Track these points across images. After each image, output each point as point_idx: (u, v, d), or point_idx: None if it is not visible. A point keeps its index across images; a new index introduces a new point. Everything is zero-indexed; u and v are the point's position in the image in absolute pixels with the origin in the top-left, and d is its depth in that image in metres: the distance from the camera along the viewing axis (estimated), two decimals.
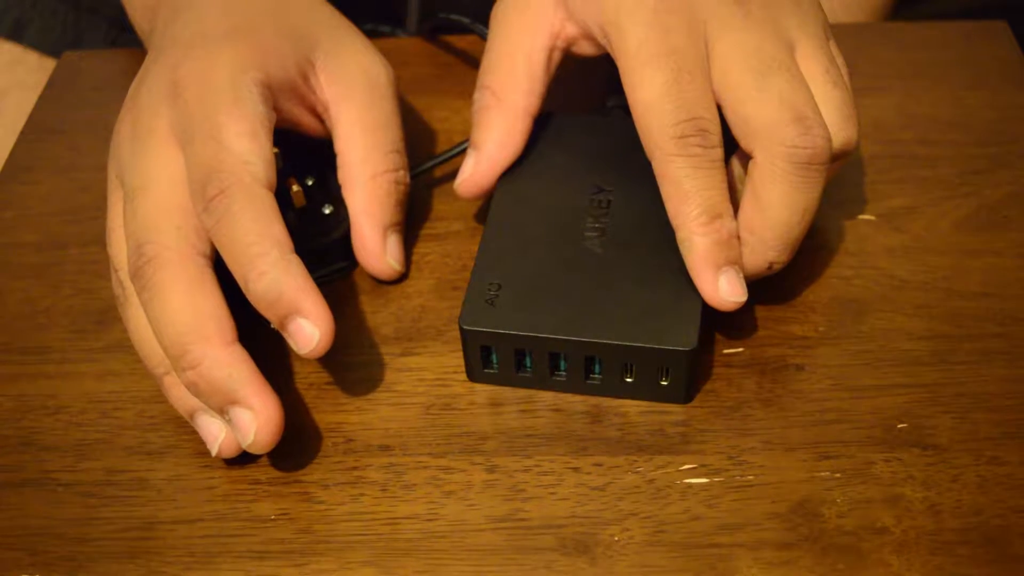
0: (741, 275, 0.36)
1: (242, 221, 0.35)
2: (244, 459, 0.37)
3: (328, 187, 0.42)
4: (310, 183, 0.41)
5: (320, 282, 0.38)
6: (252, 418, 0.35)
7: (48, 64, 0.60)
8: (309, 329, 0.35)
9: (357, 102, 0.41)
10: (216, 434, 0.36)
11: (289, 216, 0.38)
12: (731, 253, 0.36)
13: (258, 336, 0.40)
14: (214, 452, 0.36)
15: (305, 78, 0.41)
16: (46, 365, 0.40)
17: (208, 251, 0.36)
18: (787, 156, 0.35)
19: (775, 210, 0.36)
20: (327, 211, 0.41)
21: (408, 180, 0.42)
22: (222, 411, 0.35)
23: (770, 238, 0.37)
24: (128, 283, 0.37)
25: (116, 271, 0.38)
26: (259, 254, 0.35)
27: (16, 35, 0.62)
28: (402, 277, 0.42)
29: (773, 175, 0.36)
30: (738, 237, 0.37)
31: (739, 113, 0.36)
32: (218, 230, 0.35)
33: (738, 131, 0.37)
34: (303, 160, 0.42)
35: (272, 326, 0.36)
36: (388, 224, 0.41)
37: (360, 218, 0.41)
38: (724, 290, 0.36)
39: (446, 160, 0.44)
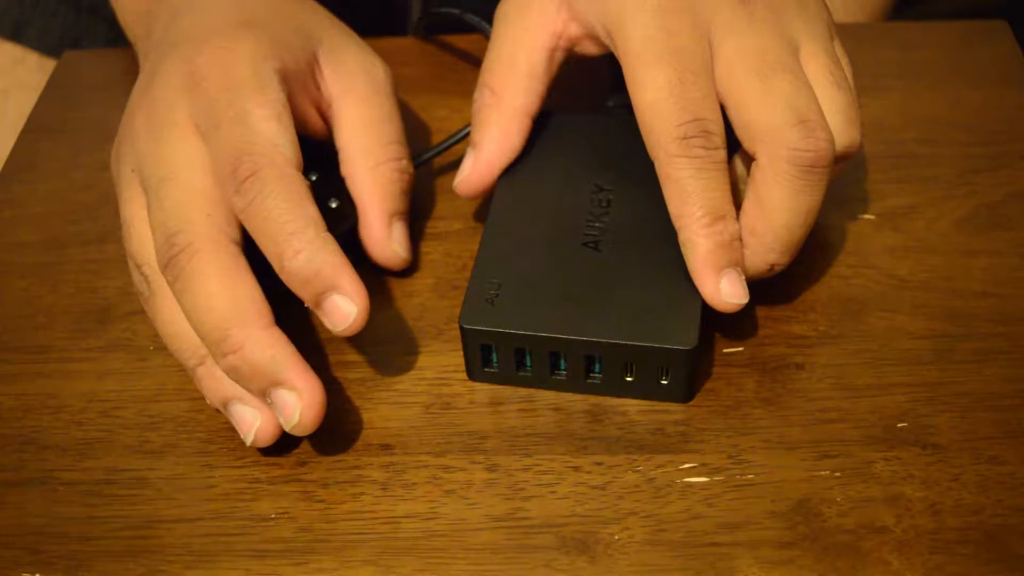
0: (743, 276, 0.36)
1: (275, 201, 0.35)
2: (244, 458, 0.37)
3: (332, 182, 0.42)
4: (314, 178, 0.41)
5: None
6: (296, 399, 0.35)
7: (48, 64, 0.60)
8: (346, 306, 0.35)
9: (359, 97, 0.41)
10: (251, 422, 0.36)
11: None
12: (733, 255, 0.36)
13: None
14: (249, 441, 0.36)
15: (312, 73, 0.41)
16: (46, 364, 0.40)
17: (239, 237, 0.36)
18: (790, 159, 0.35)
19: (777, 212, 0.36)
20: (333, 205, 0.41)
21: (412, 170, 0.42)
22: (264, 394, 0.35)
23: (771, 240, 0.37)
24: (155, 276, 0.37)
25: (139, 266, 0.37)
26: (293, 232, 0.35)
27: (16, 36, 0.62)
28: (408, 269, 0.42)
29: (776, 178, 0.36)
30: (740, 239, 0.37)
31: (742, 115, 0.36)
32: (250, 211, 0.35)
33: (741, 133, 0.37)
34: (305, 156, 0.42)
35: (306, 305, 0.36)
36: (393, 212, 0.41)
37: (365, 207, 0.41)
38: (726, 291, 0.36)
39: (447, 148, 0.45)
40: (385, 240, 0.41)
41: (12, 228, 0.46)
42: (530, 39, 0.41)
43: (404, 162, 0.42)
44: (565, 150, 0.42)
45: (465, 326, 0.37)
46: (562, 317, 0.36)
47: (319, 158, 0.42)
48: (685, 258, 0.36)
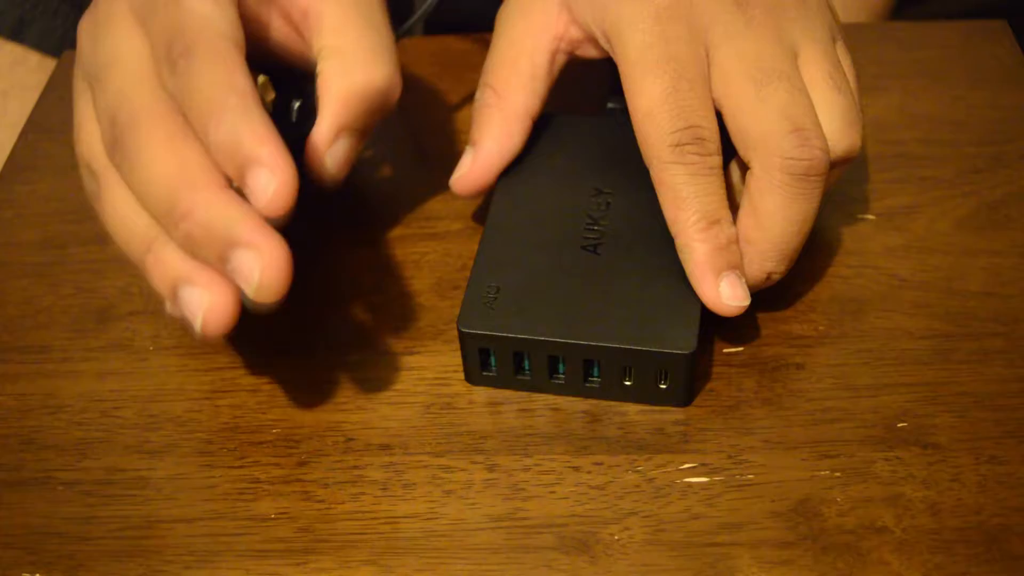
0: (743, 279, 0.36)
1: (205, 75, 0.33)
2: (245, 458, 0.37)
3: (292, 84, 0.39)
4: (268, 78, 0.39)
5: None
6: (256, 257, 0.32)
7: (49, 65, 0.60)
8: (265, 179, 0.32)
9: (344, 1, 0.39)
10: (200, 303, 0.33)
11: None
12: (731, 258, 0.36)
13: (259, 336, 0.40)
14: (198, 326, 0.33)
15: None
16: (46, 364, 0.40)
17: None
18: (784, 167, 0.35)
19: (772, 221, 0.36)
20: (296, 106, 0.39)
21: (397, 88, 0.39)
22: (223, 261, 0.32)
23: (767, 249, 0.37)
24: (103, 169, 0.35)
25: (88, 165, 0.36)
26: (219, 103, 0.33)
27: (17, 35, 0.62)
28: (408, 269, 0.42)
29: (770, 186, 0.36)
30: (737, 242, 0.37)
31: (737, 123, 0.36)
32: (183, 89, 0.34)
33: (736, 141, 0.37)
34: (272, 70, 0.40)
35: (235, 185, 0.33)
36: (346, 125, 0.38)
37: (322, 110, 0.38)
38: (726, 295, 0.36)
39: (428, 10, 0.43)
40: (322, 150, 0.38)
41: (12, 228, 0.46)
42: (532, 41, 0.41)
43: (388, 75, 0.38)
44: (565, 152, 0.42)
45: (463, 330, 0.37)
46: (561, 321, 0.36)
47: (284, 72, 0.40)
48: (683, 264, 0.36)
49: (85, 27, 0.38)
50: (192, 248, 0.33)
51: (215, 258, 0.33)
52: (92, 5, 0.38)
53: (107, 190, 0.36)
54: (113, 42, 0.36)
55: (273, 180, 0.32)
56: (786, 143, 0.35)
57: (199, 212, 0.32)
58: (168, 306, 0.35)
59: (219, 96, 0.33)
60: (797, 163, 0.35)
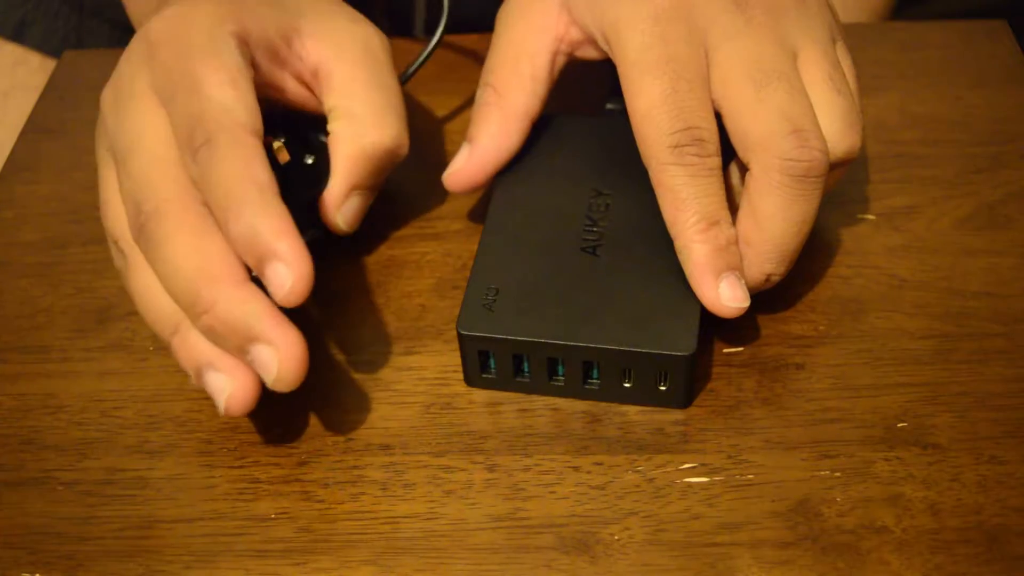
0: (742, 280, 0.36)
1: (225, 167, 0.34)
2: (245, 458, 0.37)
3: (308, 142, 0.41)
4: (284, 140, 0.40)
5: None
6: (273, 352, 0.34)
7: (50, 66, 0.60)
8: (283, 273, 0.33)
9: (352, 61, 0.40)
10: (222, 389, 0.35)
11: (276, 174, 0.37)
12: (730, 259, 0.36)
13: None
14: (221, 408, 0.35)
15: (288, 42, 0.40)
16: (46, 364, 0.40)
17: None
18: (783, 168, 0.35)
19: (771, 222, 0.36)
20: (309, 161, 0.40)
21: (404, 147, 0.41)
22: (242, 352, 0.34)
23: (767, 250, 0.36)
24: (130, 249, 0.36)
25: (115, 242, 0.37)
26: (239, 196, 0.34)
27: (19, 36, 0.62)
28: (408, 269, 0.42)
29: (769, 187, 0.36)
30: (736, 243, 0.37)
31: (736, 124, 0.36)
32: (204, 180, 0.35)
33: (736, 142, 0.37)
34: (280, 122, 0.41)
35: (254, 274, 0.35)
36: (357, 184, 0.40)
37: (335, 170, 0.40)
38: (725, 296, 0.36)
39: (427, 57, 0.45)
40: (334, 208, 0.40)
41: (12, 228, 0.46)
42: (532, 42, 0.41)
43: (392, 137, 0.40)
44: (564, 153, 0.42)
45: (463, 332, 0.37)
46: (560, 323, 0.36)
47: (295, 121, 0.41)
48: (682, 265, 0.36)
49: (107, 98, 0.39)
50: (213, 339, 0.35)
51: (235, 350, 0.34)
52: (114, 76, 0.39)
53: (134, 270, 0.36)
54: (137, 122, 0.37)
55: (291, 275, 0.33)
56: (785, 144, 0.35)
57: (220, 307, 0.34)
58: (192, 381, 0.36)
59: (238, 190, 0.34)
60: (796, 164, 0.35)
